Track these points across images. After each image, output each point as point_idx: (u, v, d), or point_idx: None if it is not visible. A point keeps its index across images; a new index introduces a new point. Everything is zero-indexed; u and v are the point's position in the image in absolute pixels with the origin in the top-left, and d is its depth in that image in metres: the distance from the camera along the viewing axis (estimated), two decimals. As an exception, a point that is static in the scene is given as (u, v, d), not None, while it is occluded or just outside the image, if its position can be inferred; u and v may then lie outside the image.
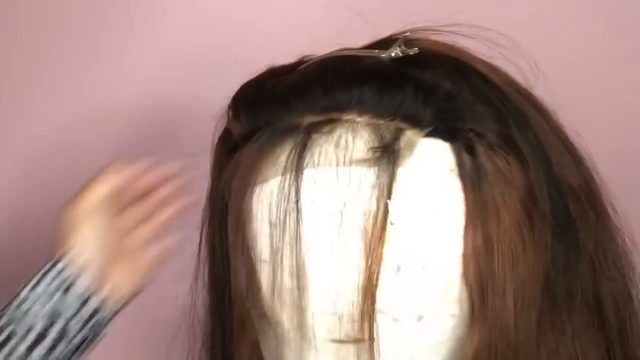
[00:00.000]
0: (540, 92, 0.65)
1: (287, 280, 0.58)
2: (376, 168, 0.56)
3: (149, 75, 0.97)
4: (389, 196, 0.56)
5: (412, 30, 0.64)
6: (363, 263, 0.56)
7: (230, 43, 0.97)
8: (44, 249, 0.74)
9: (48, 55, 0.95)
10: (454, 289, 0.57)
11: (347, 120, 0.58)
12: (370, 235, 0.56)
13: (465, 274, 0.57)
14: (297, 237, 0.57)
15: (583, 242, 0.60)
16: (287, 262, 0.58)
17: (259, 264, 0.60)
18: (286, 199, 0.58)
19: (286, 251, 0.58)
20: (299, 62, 0.65)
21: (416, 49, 0.61)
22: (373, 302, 0.57)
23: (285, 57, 0.66)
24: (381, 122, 0.58)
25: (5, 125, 0.98)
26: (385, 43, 0.63)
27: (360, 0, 0.85)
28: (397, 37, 0.63)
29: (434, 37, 0.64)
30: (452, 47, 0.63)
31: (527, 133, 0.59)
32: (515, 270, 0.56)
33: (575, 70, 0.92)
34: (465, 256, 0.57)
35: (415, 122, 0.57)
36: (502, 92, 0.61)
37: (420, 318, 0.58)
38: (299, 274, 0.57)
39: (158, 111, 0.96)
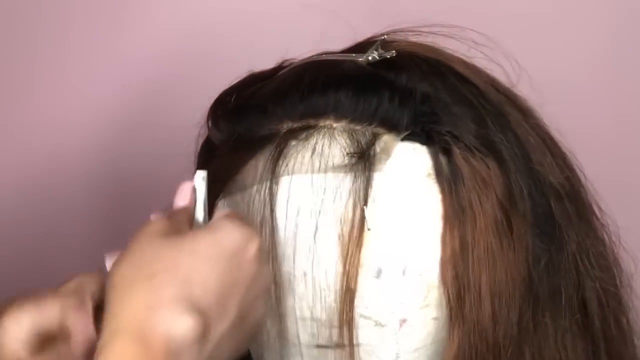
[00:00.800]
0: (523, 90, 0.64)
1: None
2: (352, 174, 0.56)
3: (139, 76, 0.96)
4: (365, 202, 0.56)
5: (391, 32, 0.64)
6: (341, 268, 0.56)
7: (228, 44, 0.96)
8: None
9: (37, 55, 0.94)
10: (435, 293, 0.57)
11: (324, 126, 0.58)
12: (347, 240, 0.56)
13: (444, 278, 0.57)
14: (274, 245, 0.57)
15: (566, 242, 0.59)
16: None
17: None
18: (262, 206, 0.58)
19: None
20: (279, 68, 0.64)
21: (393, 51, 0.61)
22: (352, 307, 0.57)
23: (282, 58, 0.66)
24: (358, 127, 0.57)
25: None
26: (363, 46, 0.62)
27: (343, 2, 0.84)
28: (375, 39, 0.63)
29: (414, 38, 0.64)
30: (430, 48, 0.63)
31: (507, 133, 0.59)
32: (491, 273, 0.56)
33: (559, 68, 0.92)
34: (443, 260, 0.57)
35: (392, 127, 0.57)
36: (481, 92, 0.60)
37: (403, 322, 0.58)
38: (277, 281, 0.57)
39: (149, 113, 0.96)
